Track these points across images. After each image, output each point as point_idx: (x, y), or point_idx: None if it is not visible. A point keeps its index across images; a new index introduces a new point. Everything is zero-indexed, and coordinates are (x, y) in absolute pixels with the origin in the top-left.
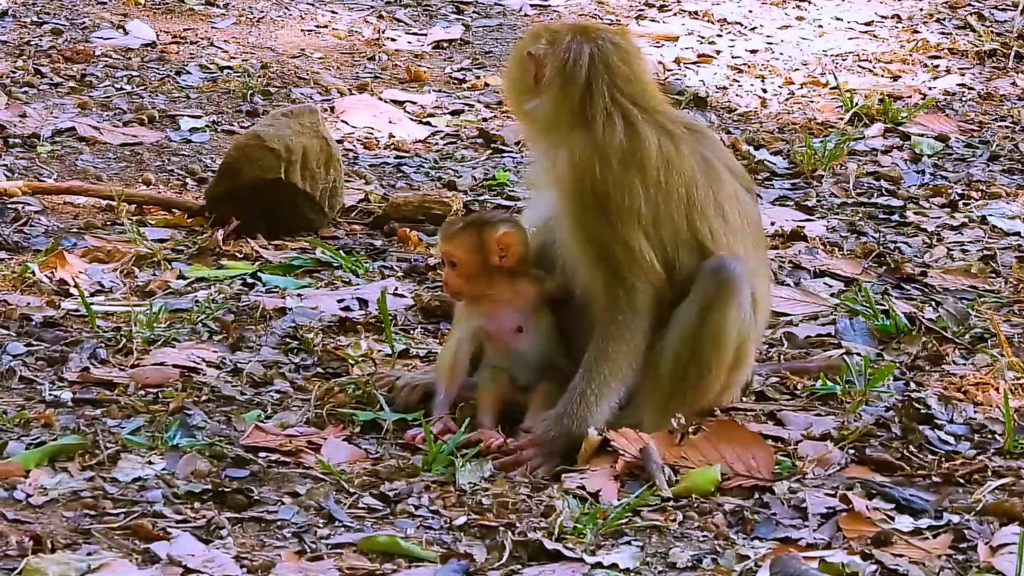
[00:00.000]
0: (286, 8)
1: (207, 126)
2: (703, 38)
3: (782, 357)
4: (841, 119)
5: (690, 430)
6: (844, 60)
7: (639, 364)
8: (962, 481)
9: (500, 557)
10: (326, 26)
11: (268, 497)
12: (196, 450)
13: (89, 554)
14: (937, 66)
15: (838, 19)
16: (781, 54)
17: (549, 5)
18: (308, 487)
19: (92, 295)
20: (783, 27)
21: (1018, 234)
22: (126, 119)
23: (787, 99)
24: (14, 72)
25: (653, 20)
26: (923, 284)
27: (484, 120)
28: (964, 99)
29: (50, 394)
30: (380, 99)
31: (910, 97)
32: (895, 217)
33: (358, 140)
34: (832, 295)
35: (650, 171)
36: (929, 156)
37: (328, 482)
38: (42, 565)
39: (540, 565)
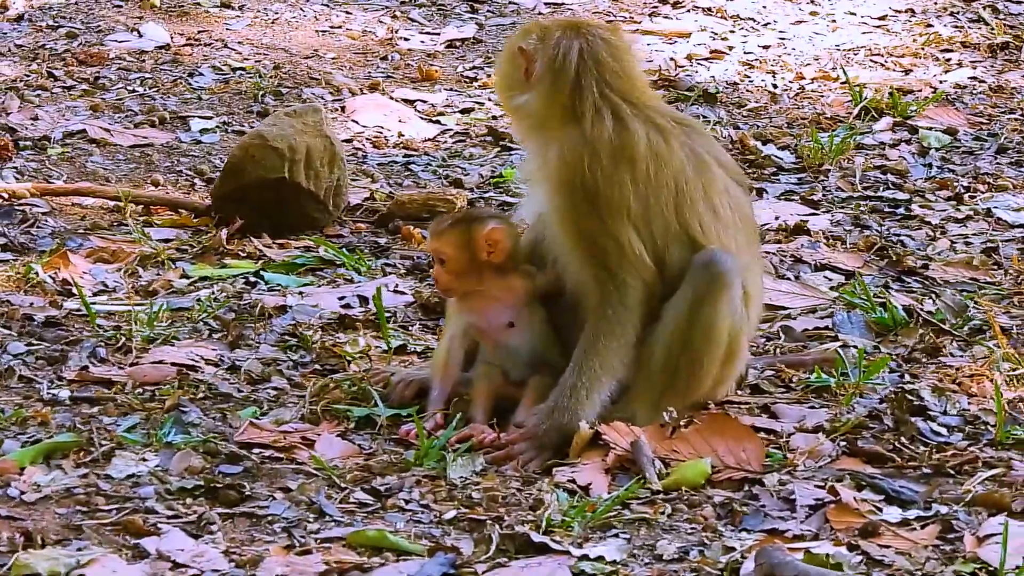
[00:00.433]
0: (301, 9)
1: (218, 127)
2: (716, 34)
3: (779, 350)
4: (850, 114)
5: (682, 423)
6: (856, 55)
7: (630, 358)
8: (952, 472)
9: (487, 550)
10: (340, 27)
11: (260, 493)
12: (190, 447)
13: (79, 549)
14: (949, 60)
15: (851, 13)
16: (793, 49)
17: (563, 3)
18: (300, 482)
19: (95, 295)
20: (797, 22)
21: (1023, 226)
22: (137, 120)
23: (797, 94)
24: (28, 76)
25: (666, 17)
26: (924, 277)
27: (494, 118)
28: (975, 92)
29: (48, 393)
30: (391, 98)
31: (920, 91)
32: (900, 210)
33: (367, 139)
34: (832, 288)
35: (639, 165)
36: (937, 149)
37: (320, 477)
38: (32, 561)
39: (527, 558)
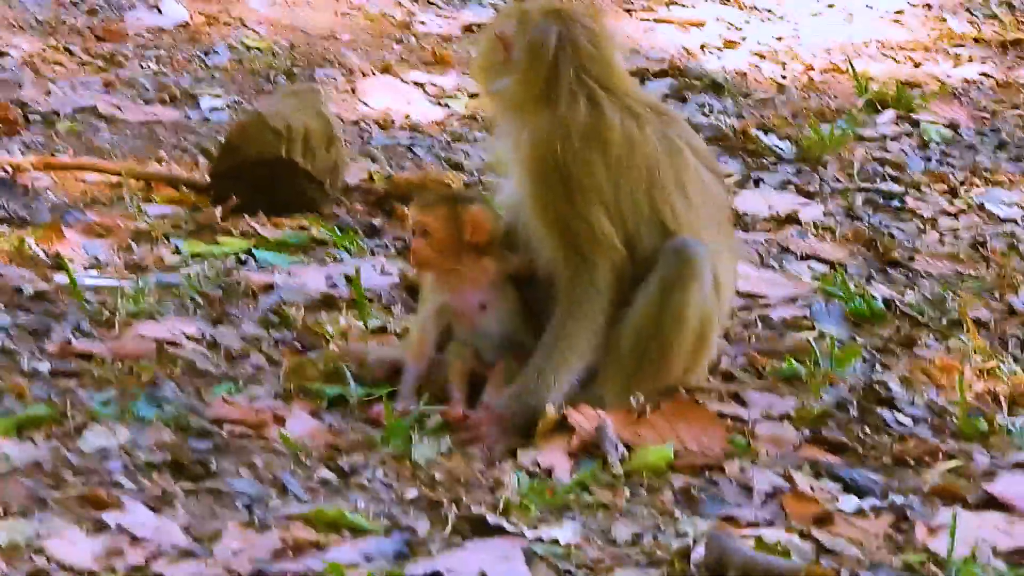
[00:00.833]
0: None
1: (228, 106)
2: (731, 24)
3: (755, 338)
4: (855, 106)
5: (648, 408)
6: (867, 48)
7: (599, 341)
8: (912, 463)
9: (443, 530)
10: (359, 8)
11: (226, 469)
12: (162, 422)
13: (41, 522)
14: (959, 54)
15: (868, 7)
16: (806, 41)
17: None
18: (266, 459)
19: (87, 269)
20: (813, 15)
21: (1014, 221)
22: (148, 97)
23: (805, 85)
24: (44, 50)
25: (683, 6)
26: (908, 269)
27: None
28: (982, 87)
29: (29, 366)
30: (403, 80)
31: (928, 85)
32: (894, 203)
33: (374, 121)
34: (814, 278)
35: (612, 149)
36: (937, 143)
37: (287, 455)
38: None
39: (481, 539)
